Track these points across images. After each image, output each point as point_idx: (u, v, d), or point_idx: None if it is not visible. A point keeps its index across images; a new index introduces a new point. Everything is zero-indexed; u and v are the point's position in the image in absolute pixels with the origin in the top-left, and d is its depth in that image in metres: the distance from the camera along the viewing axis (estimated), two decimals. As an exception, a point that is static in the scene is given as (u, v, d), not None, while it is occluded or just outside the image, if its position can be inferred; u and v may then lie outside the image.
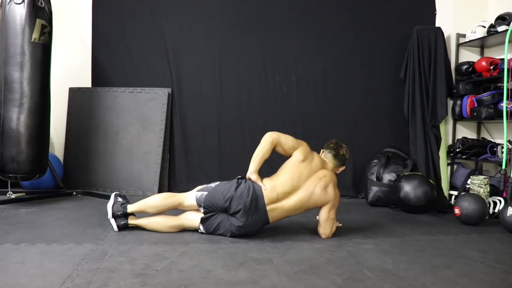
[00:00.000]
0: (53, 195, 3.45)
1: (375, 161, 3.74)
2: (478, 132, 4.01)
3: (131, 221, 2.52)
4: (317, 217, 2.53)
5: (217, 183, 2.46)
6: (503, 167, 3.20)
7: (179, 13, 3.99)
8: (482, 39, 3.72)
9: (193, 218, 2.47)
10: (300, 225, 2.78)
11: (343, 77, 4.07)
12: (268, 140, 2.44)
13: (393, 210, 3.43)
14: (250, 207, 2.33)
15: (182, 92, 3.99)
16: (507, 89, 3.26)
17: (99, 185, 3.79)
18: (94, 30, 3.99)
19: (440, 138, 3.78)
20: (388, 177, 3.61)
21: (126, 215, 2.50)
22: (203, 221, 2.43)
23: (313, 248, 2.29)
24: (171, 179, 3.90)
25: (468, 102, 3.72)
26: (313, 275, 1.87)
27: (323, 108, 4.03)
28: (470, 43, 3.87)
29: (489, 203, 3.14)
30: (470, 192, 3.22)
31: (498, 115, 3.44)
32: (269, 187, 2.38)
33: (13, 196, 3.19)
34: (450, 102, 3.92)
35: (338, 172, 2.59)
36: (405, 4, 4.14)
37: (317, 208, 2.47)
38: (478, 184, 3.19)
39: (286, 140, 2.47)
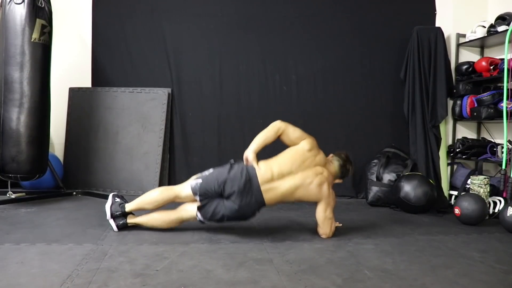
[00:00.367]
0: (53, 195, 3.45)
1: (375, 161, 3.74)
2: (478, 132, 4.02)
3: (130, 220, 2.52)
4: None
5: (211, 170, 2.46)
6: (503, 167, 3.20)
7: (179, 13, 3.99)
8: (482, 39, 3.72)
9: (190, 209, 2.46)
10: (300, 225, 2.78)
11: (343, 77, 4.07)
12: (275, 125, 2.47)
13: (393, 210, 3.43)
14: (244, 189, 2.32)
15: (182, 92, 3.99)
16: (507, 89, 3.26)
17: (99, 185, 3.79)
18: (94, 30, 3.99)
19: (440, 138, 3.78)
20: (388, 177, 3.62)
21: (124, 214, 2.50)
22: (200, 209, 2.42)
23: (313, 248, 2.29)
24: (171, 179, 3.90)
25: (468, 102, 3.72)
26: (313, 275, 1.87)
27: (323, 108, 4.03)
28: (470, 43, 3.87)
29: (489, 203, 3.14)
30: (470, 192, 3.22)
31: (498, 115, 3.44)
32: (264, 168, 2.37)
33: (13, 196, 3.19)
34: (450, 102, 3.92)
35: (334, 182, 2.55)
36: (405, 4, 4.14)
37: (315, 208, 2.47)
38: (478, 184, 3.19)
39: (294, 130, 2.49)
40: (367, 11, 4.10)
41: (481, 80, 3.72)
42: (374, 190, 3.61)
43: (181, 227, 2.60)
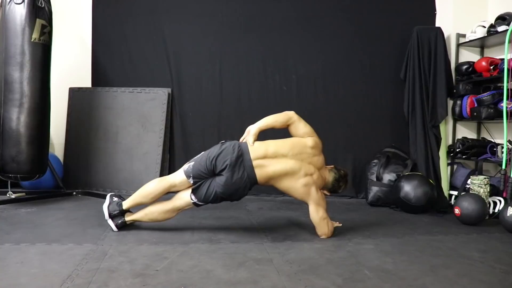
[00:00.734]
0: (53, 195, 3.45)
1: (375, 161, 3.74)
2: (478, 132, 4.01)
3: (128, 217, 2.51)
4: None
5: (202, 153, 2.47)
6: (503, 167, 3.20)
7: (179, 13, 3.99)
8: (482, 39, 3.72)
9: (184, 196, 2.45)
10: (300, 225, 2.78)
11: (343, 77, 4.07)
12: (287, 113, 2.49)
13: (393, 210, 3.43)
14: (236, 163, 2.33)
15: (182, 92, 3.99)
16: (507, 89, 3.26)
17: (99, 185, 3.79)
18: (94, 30, 4.00)
19: (440, 138, 3.78)
20: (388, 177, 3.62)
21: (122, 213, 2.50)
22: (194, 191, 2.41)
23: (313, 248, 2.29)
24: (171, 179, 3.90)
25: (468, 102, 3.72)
26: (313, 275, 1.87)
27: (323, 108, 4.03)
28: (470, 43, 3.87)
29: (489, 203, 3.14)
30: (470, 192, 3.22)
31: (498, 115, 3.44)
32: (258, 144, 2.40)
33: (13, 196, 3.19)
34: (450, 102, 3.91)
35: (321, 189, 2.51)
36: (405, 4, 4.13)
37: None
38: (478, 184, 3.19)
39: (305, 126, 2.50)
40: (367, 11, 4.09)
41: (481, 80, 3.72)
42: (374, 190, 3.61)
43: (181, 227, 2.61)
